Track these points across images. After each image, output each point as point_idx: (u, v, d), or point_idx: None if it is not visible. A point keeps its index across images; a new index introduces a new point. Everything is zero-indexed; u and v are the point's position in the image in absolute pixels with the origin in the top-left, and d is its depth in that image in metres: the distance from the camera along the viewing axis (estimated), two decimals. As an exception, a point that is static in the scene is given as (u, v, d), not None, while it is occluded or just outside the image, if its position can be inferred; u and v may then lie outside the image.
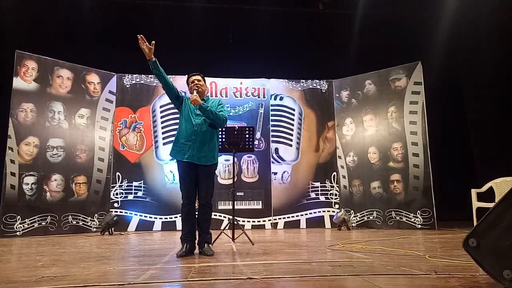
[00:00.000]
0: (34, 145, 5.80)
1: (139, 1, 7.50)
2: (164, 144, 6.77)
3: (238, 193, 6.61)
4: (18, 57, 5.83)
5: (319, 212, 6.91)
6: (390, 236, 4.88)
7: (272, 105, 7.20)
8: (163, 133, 6.81)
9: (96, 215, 6.31)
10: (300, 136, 7.17)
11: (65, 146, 6.09)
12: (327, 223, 6.85)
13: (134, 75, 6.95)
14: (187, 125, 3.44)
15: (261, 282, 2.06)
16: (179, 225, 6.54)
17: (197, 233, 3.42)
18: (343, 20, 7.82)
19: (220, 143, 4.49)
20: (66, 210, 5.98)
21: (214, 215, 6.68)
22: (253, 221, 6.76)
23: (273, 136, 7.09)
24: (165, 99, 6.95)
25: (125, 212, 6.49)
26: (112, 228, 5.81)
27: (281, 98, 7.26)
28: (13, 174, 5.55)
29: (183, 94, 3.70)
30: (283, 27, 7.96)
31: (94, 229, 6.21)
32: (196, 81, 3.61)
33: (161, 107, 6.87)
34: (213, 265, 2.74)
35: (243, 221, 6.63)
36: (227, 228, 4.56)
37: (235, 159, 4.66)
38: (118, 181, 6.56)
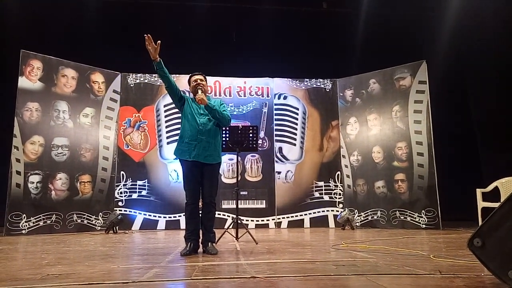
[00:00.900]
0: (39, 144, 5.84)
1: (143, 1, 7.52)
2: (168, 143, 6.79)
3: (241, 192, 6.61)
4: (23, 56, 5.86)
5: (323, 211, 6.90)
6: (394, 236, 4.86)
7: (276, 104, 7.19)
8: (167, 132, 6.83)
9: (100, 213, 6.34)
10: (304, 135, 7.16)
11: (69, 145, 6.13)
12: (331, 223, 6.84)
13: (138, 75, 6.97)
14: (192, 124, 3.43)
15: (265, 281, 2.06)
16: (183, 224, 6.56)
17: (200, 232, 3.42)
18: (347, 19, 7.80)
19: (224, 142, 4.50)
20: (71, 208, 6.01)
21: (218, 214, 6.69)
22: (257, 220, 6.76)
23: (277, 135, 7.08)
24: (169, 98, 6.93)
25: (129, 211, 6.51)
26: (117, 227, 5.84)
27: (285, 97, 7.25)
28: (18, 173, 5.59)
29: (186, 94, 3.69)
30: (287, 26, 7.95)
31: (99, 228, 6.25)
32: (199, 81, 3.60)
33: (165, 106, 6.89)
34: (217, 264, 2.74)
35: (247, 220, 6.63)
36: (230, 227, 4.56)
37: (239, 158, 4.66)
38: (123, 180, 6.58)
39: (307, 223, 6.83)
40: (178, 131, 3.67)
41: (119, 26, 7.49)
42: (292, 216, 6.84)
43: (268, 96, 7.23)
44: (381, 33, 7.45)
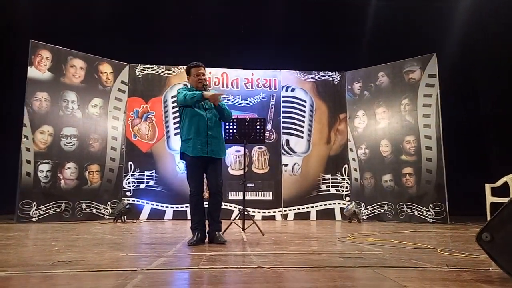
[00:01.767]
0: (49, 134, 5.90)
1: (151, -9, 7.50)
2: (175, 134, 6.81)
3: (248, 184, 6.63)
4: (32, 46, 5.90)
5: (330, 204, 6.90)
6: (401, 230, 4.85)
7: (283, 97, 7.17)
8: (174, 123, 6.85)
9: (109, 203, 6.42)
10: (311, 128, 7.14)
11: (78, 135, 6.18)
12: (338, 216, 6.84)
13: (146, 65, 6.98)
14: (200, 120, 3.38)
15: (271, 271, 2.07)
16: (190, 215, 6.60)
17: (206, 222, 3.44)
18: (357, 11, 7.70)
19: (231, 134, 4.51)
20: (80, 197, 6.09)
21: (225, 205, 6.73)
22: (263, 212, 6.79)
23: (284, 127, 7.07)
24: (176, 90, 6.97)
25: (137, 201, 6.58)
26: (125, 216, 5.90)
27: (292, 90, 7.22)
28: (28, 161, 5.66)
29: (187, 89, 3.56)
30: (295, 17, 7.88)
31: (107, 217, 6.32)
32: (201, 75, 3.55)
33: (172, 97, 6.89)
34: (224, 253, 2.77)
35: (253, 211, 6.66)
36: (237, 218, 4.59)
37: (246, 150, 4.67)
38: (130, 170, 6.64)
39: (313, 216, 6.84)
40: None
41: (127, 17, 7.49)
42: (299, 209, 6.85)
43: (275, 88, 7.20)
44: (390, 25, 7.36)
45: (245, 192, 4.51)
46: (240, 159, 6.80)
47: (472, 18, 7.10)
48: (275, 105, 7.13)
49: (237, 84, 7.17)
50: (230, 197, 6.75)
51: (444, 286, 1.76)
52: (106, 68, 6.65)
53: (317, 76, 7.30)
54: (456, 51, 7.25)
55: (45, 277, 1.93)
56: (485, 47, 7.31)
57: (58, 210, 5.84)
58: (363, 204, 6.78)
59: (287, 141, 7.05)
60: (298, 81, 7.27)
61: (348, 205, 6.48)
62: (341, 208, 6.82)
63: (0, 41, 6.99)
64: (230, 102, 7.06)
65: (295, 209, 6.85)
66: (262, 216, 6.76)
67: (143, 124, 6.84)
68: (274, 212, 6.82)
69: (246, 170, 4.69)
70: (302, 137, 7.09)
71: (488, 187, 5.40)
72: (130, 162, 6.67)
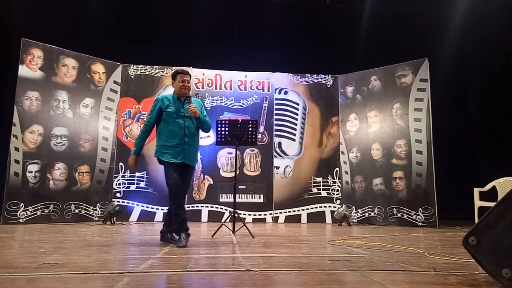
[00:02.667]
0: (39, 133, 5.83)
1: (145, -8, 7.48)
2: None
3: (240, 186, 6.62)
4: (24, 45, 5.83)
5: (320, 207, 6.91)
6: (391, 233, 4.88)
7: (276, 99, 7.18)
8: (166, 124, 6.81)
9: (98, 204, 6.36)
10: (304, 131, 7.15)
11: (69, 135, 6.12)
12: (328, 219, 6.86)
13: (139, 66, 6.94)
14: (177, 127, 3.46)
15: (260, 274, 2.07)
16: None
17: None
18: (350, 15, 7.76)
19: (223, 136, 4.50)
20: (69, 198, 6.02)
21: (216, 207, 6.72)
22: (254, 215, 6.78)
23: (276, 130, 7.08)
24: (170, 90, 6.95)
25: (127, 202, 6.52)
26: (114, 218, 5.85)
27: (285, 92, 7.24)
28: (17, 161, 5.59)
29: (163, 101, 3.54)
30: (290, 20, 7.91)
31: (96, 218, 6.26)
32: (186, 83, 3.58)
33: (165, 98, 6.86)
34: (213, 256, 2.75)
35: (244, 214, 6.65)
36: (228, 220, 4.58)
37: (238, 152, 4.66)
38: (121, 171, 6.59)
39: (304, 219, 6.85)
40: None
41: (120, 17, 7.45)
42: (290, 211, 6.86)
43: (269, 90, 7.22)
44: (383, 30, 7.42)
45: (236, 194, 4.50)
46: (232, 161, 6.78)
47: (464, 24, 7.19)
48: (268, 107, 7.13)
49: (230, 86, 7.17)
50: (221, 199, 6.73)
51: (431, 290, 1.77)
52: (98, 68, 6.60)
53: (310, 79, 7.33)
54: (448, 56, 7.34)
55: (30, 279, 1.90)
56: (476, 52, 7.40)
57: (46, 211, 5.77)
58: (353, 207, 6.80)
59: (279, 143, 7.06)
60: (291, 84, 7.29)
61: (338, 208, 6.50)
62: (331, 211, 6.84)
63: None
64: (223, 104, 7.06)
65: (286, 212, 6.85)
66: (253, 218, 6.75)
67: (135, 125, 6.79)
68: (265, 214, 6.82)
69: (237, 172, 4.68)
70: (294, 140, 7.11)
71: (476, 191, 5.47)
72: (120, 163, 6.62)
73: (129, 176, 6.61)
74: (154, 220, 6.50)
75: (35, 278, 1.93)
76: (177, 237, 3.33)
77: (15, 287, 1.77)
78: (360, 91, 7.02)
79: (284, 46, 7.85)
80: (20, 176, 5.58)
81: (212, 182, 6.79)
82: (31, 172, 5.70)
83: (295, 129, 7.14)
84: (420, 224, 6.06)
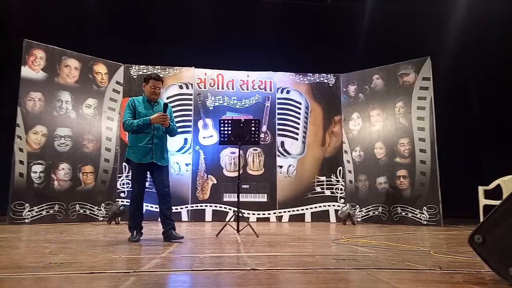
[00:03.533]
0: (42, 134, 5.86)
1: (147, -8, 7.49)
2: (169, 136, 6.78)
3: (243, 186, 6.63)
4: (26, 46, 5.86)
5: (324, 206, 6.91)
6: (395, 232, 4.87)
7: (278, 99, 7.18)
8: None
9: (103, 204, 6.38)
10: (307, 130, 7.15)
11: (72, 135, 6.14)
12: (332, 218, 6.86)
13: (141, 66, 6.96)
14: (147, 129, 3.63)
15: (265, 273, 2.07)
16: (184, 216, 6.60)
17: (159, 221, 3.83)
18: (352, 14, 7.74)
19: (226, 136, 4.51)
20: (73, 199, 6.05)
21: (220, 207, 6.73)
22: (258, 214, 6.78)
23: (279, 129, 7.08)
24: (172, 90, 6.97)
25: (131, 202, 6.53)
26: (119, 218, 5.87)
27: (287, 92, 7.23)
28: (21, 162, 5.61)
29: (133, 104, 3.72)
30: (291, 20, 7.90)
31: (101, 218, 6.28)
32: (157, 89, 3.78)
33: (167, 98, 6.88)
34: (217, 255, 2.76)
35: (248, 213, 6.66)
36: (232, 220, 4.58)
37: (241, 151, 4.66)
38: (125, 171, 6.60)
39: (308, 218, 6.85)
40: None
41: (121, 17, 7.47)
42: (293, 210, 6.86)
43: (271, 90, 7.21)
44: (385, 28, 7.40)
45: (240, 194, 4.51)
46: (235, 160, 6.79)
47: (467, 21, 7.16)
48: (270, 107, 7.13)
49: (232, 86, 7.17)
50: (224, 199, 6.74)
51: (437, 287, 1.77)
52: (100, 68, 6.62)
53: (312, 78, 7.32)
54: (450, 54, 7.31)
55: (37, 279, 1.91)
56: (479, 50, 7.37)
57: (51, 211, 5.80)
58: (357, 206, 6.80)
59: (282, 143, 7.06)
60: (294, 83, 7.28)
61: (342, 207, 6.50)
62: (335, 210, 6.84)
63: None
64: (225, 104, 7.07)
65: (289, 211, 6.85)
66: (257, 218, 6.76)
67: (137, 125, 6.79)
68: (269, 214, 6.82)
69: (241, 171, 4.69)
70: (297, 139, 7.11)
71: (481, 189, 5.45)
72: (124, 163, 6.63)
73: (133, 176, 6.61)
74: (158, 220, 6.49)
75: (42, 277, 1.94)
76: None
77: (23, 286, 1.78)
78: (363, 90, 7.01)
79: (286, 45, 7.84)
80: (24, 177, 5.61)
81: (215, 182, 6.80)
82: (36, 172, 5.72)
83: (297, 129, 7.14)
84: (425, 222, 6.04)
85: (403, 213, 6.29)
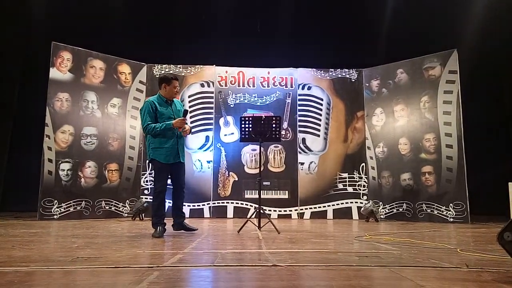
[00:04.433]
0: (70, 133, 6.05)
1: (168, -8, 7.58)
2: (192, 133, 6.85)
3: (264, 183, 6.63)
4: (54, 48, 6.06)
5: (347, 203, 6.83)
6: (420, 229, 4.76)
7: (299, 95, 7.13)
8: (191, 122, 6.90)
9: (127, 201, 6.53)
10: (328, 126, 7.07)
11: (98, 134, 6.32)
12: (355, 215, 6.77)
13: (164, 65, 7.06)
14: (171, 130, 3.79)
15: (286, 269, 2.07)
16: (206, 213, 6.67)
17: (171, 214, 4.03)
18: (374, 6, 7.58)
19: (247, 133, 4.52)
20: (99, 195, 6.22)
21: (241, 203, 6.77)
22: (279, 211, 6.78)
23: (300, 126, 7.03)
24: (194, 89, 7.04)
25: (154, 199, 6.65)
26: (143, 214, 5.99)
27: (309, 88, 7.17)
28: (50, 160, 5.82)
29: (153, 104, 3.83)
30: (312, 15, 7.82)
31: (126, 215, 6.44)
32: (178, 87, 3.96)
33: (189, 96, 6.96)
34: (239, 251, 2.78)
35: (269, 210, 6.66)
36: (253, 216, 4.60)
37: (262, 148, 4.67)
38: (148, 169, 6.73)
39: (330, 215, 6.79)
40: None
41: (144, 17, 7.60)
42: (315, 207, 6.81)
43: (292, 86, 7.17)
44: (409, 20, 7.21)
45: (261, 191, 4.52)
46: (256, 157, 6.80)
47: (495, 12, 6.88)
48: (291, 103, 7.10)
49: (253, 83, 7.18)
50: (246, 196, 6.77)
51: (464, 286, 1.72)
52: (124, 68, 6.77)
53: (334, 74, 7.23)
54: (478, 46, 7.03)
55: (66, 272, 1.98)
56: (508, 42, 7.06)
57: (78, 208, 5.99)
58: (380, 203, 6.68)
59: (304, 139, 7.01)
60: (315, 79, 7.21)
61: (365, 204, 6.40)
62: (358, 207, 6.75)
63: (23, 43, 7.21)
64: (246, 101, 7.08)
65: (311, 208, 6.81)
66: (278, 214, 6.75)
67: (160, 123, 6.91)
68: (290, 210, 6.80)
69: (262, 168, 4.69)
70: (318, 136, 7.04)
71: (511, 185, 5.24)
72: (147, 161, 6.76)
73: (156, 174, 6.73)
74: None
75: (70, 271, 2.01)
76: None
77: (52, 279, 1.85)
78: (386, 84, 6.86)
79: (307, 41, 7.78)
80: (53, 175, 5.82)
81: (237, 179, 6.84)
82: (64, 170, 5.92)
83: (319, 125, 7.07)
84: (451, 220, 5.87)
85: (429, 210, 6.14)
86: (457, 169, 5.92)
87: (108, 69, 6.56)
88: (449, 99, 6.13)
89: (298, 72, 7.22)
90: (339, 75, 7.23)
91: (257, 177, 4.58)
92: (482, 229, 4.82)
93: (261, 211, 4.37)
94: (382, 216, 6.50)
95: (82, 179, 6.10)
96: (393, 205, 6.55)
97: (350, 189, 6.87)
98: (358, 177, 6.91)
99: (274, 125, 4.53)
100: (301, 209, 6.81)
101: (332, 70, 7.23)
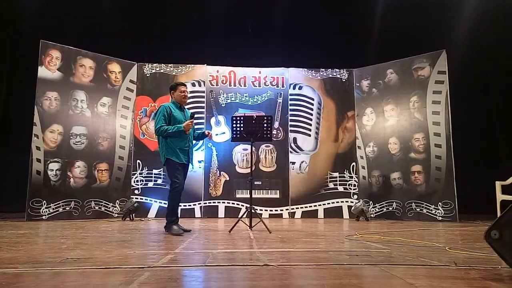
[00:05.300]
0: (58, 133, 5.98)
1: (159, -10, 7.53)
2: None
3: (255, 182, 6.64)
4: (42, 46, 5.97)
5: (337, 202, 6.87)
6: (410, 228, 4.81)
7: (291, 95, 7.15)
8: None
9: (117, 201, 6.48)
10: (319, 126, 7.11)
11: (87, 133, 6.25)
12: (345, 214, 6.82)
13: (154, 64, 7.02)
14: (183, 133, 3.98)
15: (278, 269, 2.07)
16: (197, 213, 6.65)
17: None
18: (365, 7, 7.64)
19: (238, 132, 4.52)
20: (89, 196, 6.16)
21: (232, 203, 6.76)
22: (271, 210, 6.79)
23: (291, 125, 7.05)
24: (185, 88, 7.00)
25: (145, 199, 6.63)
26: (133, 214, 5.95)
27: (300, 88, 7.20)
28: (38, 160, 5.74)
29: (168, 111, 4.05)
30: (303, 15, 7.85)
31: (116, 215, 6.39)
32: (186, 92, 4.22)
33: (180, 96, 6.92)
34: (230, 251, 2.78)
35: (261, 210, 6.67)
36: (244, 216, 4.60)
37: (253, 148, 4.67)
38: (139, 169, 6.69)
39: (321, 214, 6.82)
40: (194, 121, 3.99)
41: (134, 16, 7.54)
42: (306, 207, 6.84)
43: (283, 86, 7.19)
44: (399, 21, 7.28)
45: (252, 190, 4.52)
46: (247, 157, 6.80)
47: (483, 13, 6.98)
48: (282, 103, 7.11)
49: (244, 83, 7.17)
50: (237, 195, 6.77)
51: (453, 284, 1.74)
52: (114, 67, 6.70)
53: (325, 74, 7.27)
54: (466, 47, 7.14)
55: (55, 274, 1.96)
56: (496, 42, 7.18)
57: (67, 208, 5.92)
58: (371, 202, 6.74)
59: (295, 139, 7.03)
60: (306, 79, 7.24)
61: (356, 203, 6.45)
62: (348, 206, 6.79)
63: (11, 41, 7.10)
64: (237, 101, 7.08)
65: (302, 207, 6.84)
66: (270, 214, 6.77)
67: (151, 122, 6.87)
68: (282, 210, 6.82)
69: (253, 168, 4.69)
70: (309, 135, 7.07)
71: (498, 184, 5.32)
72: (138, 161, 6.72)
73: (147, 173, 6.70)
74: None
75: (59, 272, 1.98)
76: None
77: (41, 281, 1.82)
78: (376, 84, 6.93)
79: (298, 41, 7.80)
80: (42, 174, 5.74)
81: (228, 178, 6.83)
82: (52, 170, 5.85)
83: (310, 124, 7.10)
84: (440, 218, 5.96)
85: (418, 209, 6.21)
86: (446, 168, 6.01)
87: (97, 68, 6.49)
88: (438, 99, 6.22)
89: (289, 72, 7.24)
90: (330, 75, 7.27)
91: (248, 177, 4.58)
92: (470, 228, 4.90)
93: (253, 210, 4.38)
94: (372, 215, 6.56)
95: (71, 179, 6.03)
96: (383, 204, 6.61)
97: (340, 189, 6.92)
98: (349, 176, 6.96)
99: (265, 125, 4.53)
100: (292, 209, 6.83)
101: (323, 70, 7.27)
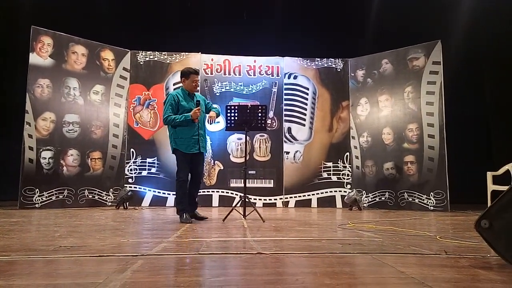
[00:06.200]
0: (51, 121, 5.92)
1: (153, -24, 7.40)
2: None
3: (250, 172, 6.65)
4: (34, 32, 5.87)
5: (331, 192, 6.92)
6: (402, 217, 4.87)
7: (285, 84, 7.13)
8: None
9: (111, 190, 6.46)
10: (314, 116, 7.11)
11: (80, 122, 6.19)
12: (339, 203, 6.87)
13: (148, 52, 6.94)
14: (191, 121, 3.94)
15: (271, 257, 2.09)
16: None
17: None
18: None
19: (233, 121, 4.50)
20: (82, 184, 6.13)
21: (226, 192, 6.78)
22: (265, 199, 6.83)
23: (286, 115, 7.05)
24: (178, 77, 6.93)
25: (139, 188, 6.62)
26: (127, 203, 5.95)
27: (295, 77, 7.17)
28: (31, 148, 5.69)
29: (176, 97, 4.01)
30: (298, 4, 7.78)
31: (109, 203, 6.38)
32: (198, 81, 4.17)
33: (174, 84, 6.87)
34: (224, 239, 2.79)
35: (255, 199, 6.70)
36: (238, 205, 4.62)
37: (248, 137, 4.66)
38: (132, 157, 6.67)
39: (314, 203, 6.87)
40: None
41: (128, 2, 7.42)
42: (300, 196, 6.88)
43: (278, 75, 7.16)
44: (394, 11, 7.24)
45: (247, 180, 4.53)
46: (242, 146, 6.80)
47: (479, 4, 6.97)
48: (277, 92, 7.09)
49: (239, 71, 7.13)
50: (231, 184, 6.78)
51: (442, 272, 1.77)
52: (107, 54, 6.62)
53: (320, 63, 7.24)
54: (462, 37, 7.14)
55: (48, 261, 1.96)
56: (491, 34, 7.19)
57: (60, 196, 5.90)
58: (364, 191, 6.80)
59: (289, 128, 7.04)
60: (301, 68, 7.21)
61: (349, 192, 6.50)
62: (342, 195, 6.85)
63: (1, 27, 6.95)
64: (232, 90, 7.04)
65: (296, 197, 6.88)
66: (263, 203, 6.80)
67: (145, 111, 6.83)
68: (275, 199, 6.85)
69: (247, 157, 4.69)
70: (304, 125, 7.08)
71: (489, 175, 5.40)
72: (132, 149, 6.69)
73: (141, 162, 6.68)
74: (166, 205, 6.59)
75: (53, 260, 1.98)
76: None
77: (34, 268, 1.82)
78: (371, 75, 6.92)
79: (294, 30, 7.74)
80: (34, 163, 5.70)
81: (222, 168, 6.84)
82: (45, 158, 5.80)
83: (305, 114, 7.10)
84: (432, 208, 6.03)
85: (410, 199, 6.28)
86: (438, 158, 6.06)
87: (90, 55, 6.41)
88: (432, 90, 6.24)
89: (285, 61, 7.20)
90: (325, 65, 7.24)
91: (242, 166, 4.59)
92: (461, 217, 4.97)
93: (246, 200, 4.39)
94: (365, 205, 6.62)
95: (64, 168, 5.99)
96: (376, 193, 6.67)
97: (334, 178, 6.96)
98: (343, 166, 7.00)
99: (260, 114, 4.52)
100: (286, 198, 6.87)
101: (318, 59, 7.24)
